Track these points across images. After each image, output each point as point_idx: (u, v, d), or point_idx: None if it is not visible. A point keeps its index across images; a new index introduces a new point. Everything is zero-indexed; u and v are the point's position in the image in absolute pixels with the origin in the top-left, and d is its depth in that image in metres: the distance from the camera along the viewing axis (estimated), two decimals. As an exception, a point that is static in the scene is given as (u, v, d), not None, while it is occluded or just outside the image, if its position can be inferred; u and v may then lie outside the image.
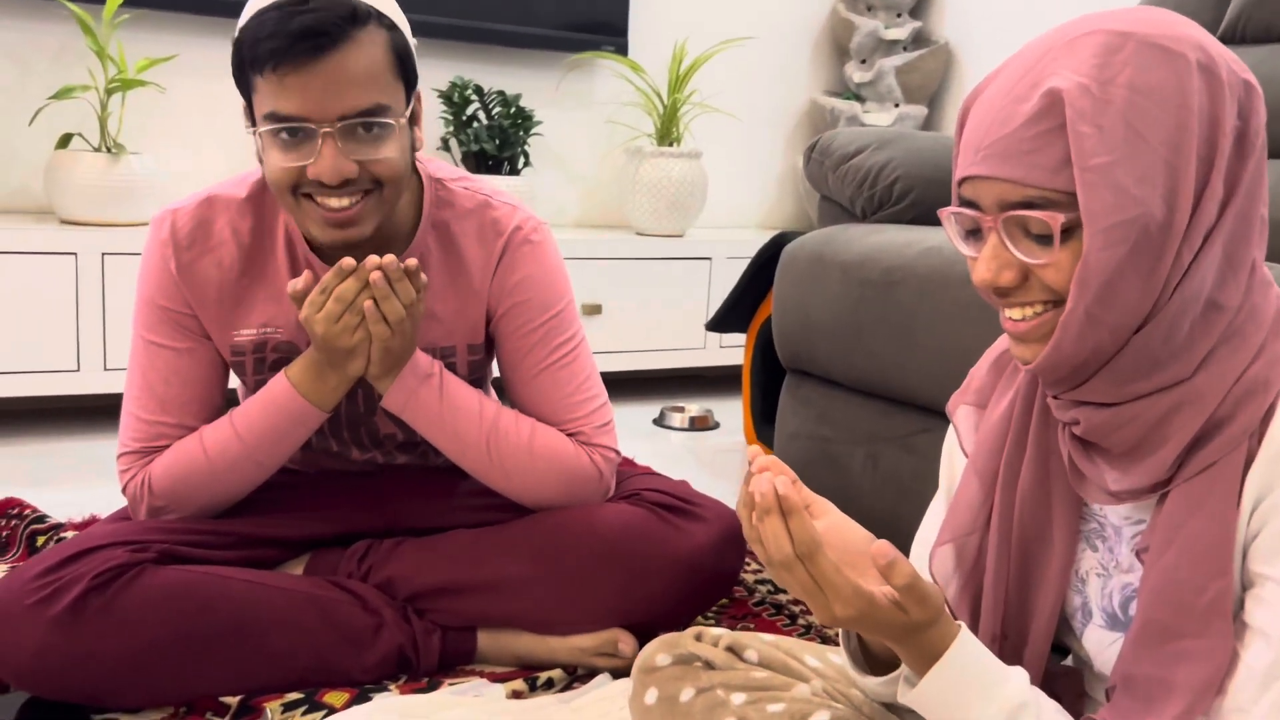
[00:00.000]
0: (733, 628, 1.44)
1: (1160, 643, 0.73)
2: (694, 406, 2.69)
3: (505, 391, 1.34)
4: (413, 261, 1.15)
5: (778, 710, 0.97)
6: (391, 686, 1.22)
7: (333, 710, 1.17)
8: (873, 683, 0.87)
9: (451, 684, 1.24)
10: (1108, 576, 0.82)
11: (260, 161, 1.15)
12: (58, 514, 1.65)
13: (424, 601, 1.27)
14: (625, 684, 1.22)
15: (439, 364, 1.24)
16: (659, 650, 1.06)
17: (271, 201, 1.23)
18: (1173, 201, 0.69)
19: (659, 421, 2.67)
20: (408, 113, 1.16)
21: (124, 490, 1.24)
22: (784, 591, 1.60)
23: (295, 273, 1.23)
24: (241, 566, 1.22)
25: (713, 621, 1.46)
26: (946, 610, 0.76)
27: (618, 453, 1.33)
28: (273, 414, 1.22)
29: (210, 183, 1.29)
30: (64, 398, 2.20)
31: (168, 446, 1.24)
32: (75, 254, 2.15)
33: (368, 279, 1.12)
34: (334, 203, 1.11)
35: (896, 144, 1.83)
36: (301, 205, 1.13)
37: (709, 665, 1.04)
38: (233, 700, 1.16)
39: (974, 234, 0.79)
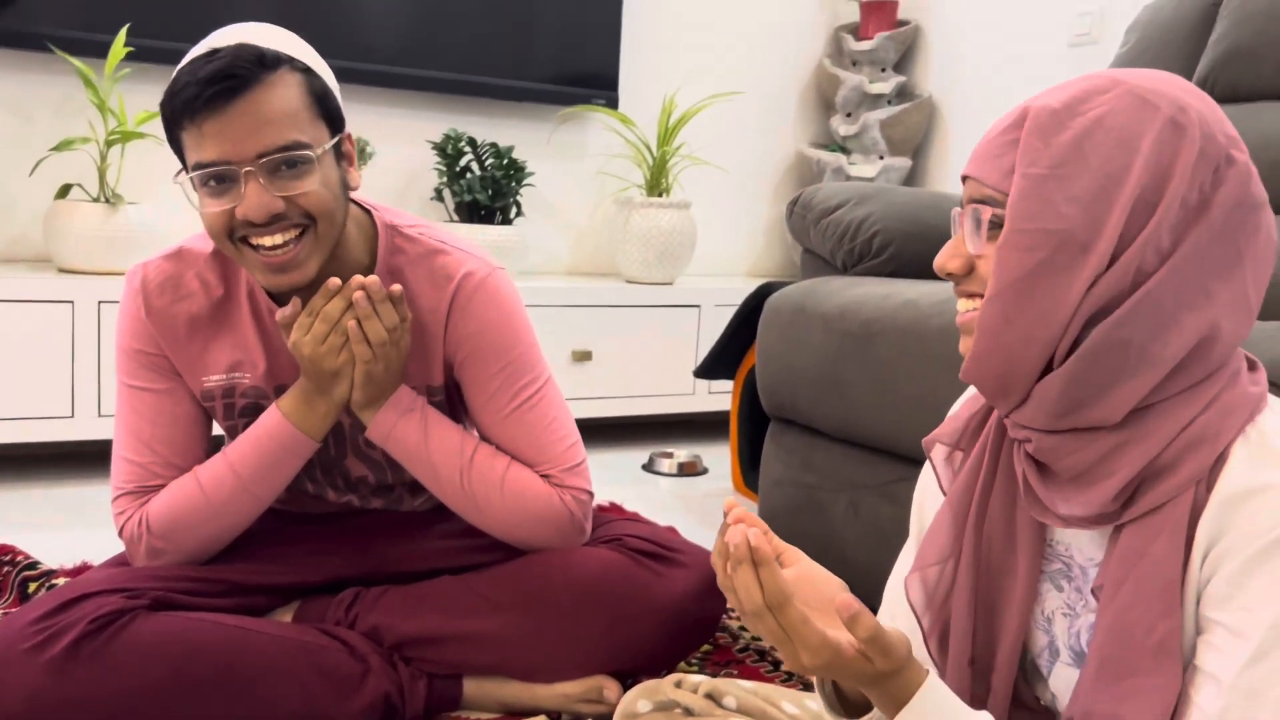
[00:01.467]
0: (715, 673, 1.47)
1: (1113, 680, 0.76)
2: (682, 452, 2.72)
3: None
4: (397, 288, 1.20)
5: (755, 755, 0.99)
6: (378, 732, 1.24)
7: (320, 755, 1.19)
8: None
9: (437, 729, 1.26)
10: (1074, 616, 0.85)
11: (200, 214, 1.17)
12: (50, 560, 1.67)
13: (410, 649, 1.29)
14: (608, 729, 1.25)
15: (422, 400, 1.28)
16: (640, 697, 1.08)
17: None
18: (1097, 229, 0.73)
19: (648, 467, 2.70)
20: (331, 149, 1.18)
21: (120, 533, 1.27)
22: (767, 637, 1.62)
23: (258, 321, 1.28)
24: (233, 614, 1.24)
25: (696, 668, 1.48)
26: (913, 658, 0.79)
27: (590, 494, 1.36)
28: (265, 444, 1.26)
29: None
30: (58, 444, 2.23)
31: (161, 486, 1.27)
32: (72, 302, 2.19)
33: (349, 300, 1.17)
34: (268, 242, 1.14)
35: (876, 199, 1.88)
36: (243, 253, 1.16)
37: (688, 712, 1.06)
38: (221, 747, 1.18)
39: None
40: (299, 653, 1.23)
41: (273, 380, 1.29)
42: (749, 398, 2.32)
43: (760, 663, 1.53)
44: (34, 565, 1.63)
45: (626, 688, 1.29)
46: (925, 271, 1.81)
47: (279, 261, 1.15)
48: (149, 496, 1.26)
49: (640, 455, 2.79)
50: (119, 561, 1.30)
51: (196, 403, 1.30)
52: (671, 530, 1.41)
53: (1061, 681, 0.86)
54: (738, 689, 1.07)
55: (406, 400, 1.27)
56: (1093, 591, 0.79)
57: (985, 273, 0.78)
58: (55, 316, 2.18)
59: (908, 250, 1.83)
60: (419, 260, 1.29)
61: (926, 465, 0.97)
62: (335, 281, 1.18)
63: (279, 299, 1.25)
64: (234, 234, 1.15)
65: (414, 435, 1.27)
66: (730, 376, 2.41)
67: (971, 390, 0.96)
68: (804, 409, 1.78)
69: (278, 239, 1.15)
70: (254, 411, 1.29)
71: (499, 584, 1.31)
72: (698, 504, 2.43)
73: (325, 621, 1.31)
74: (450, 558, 1.36)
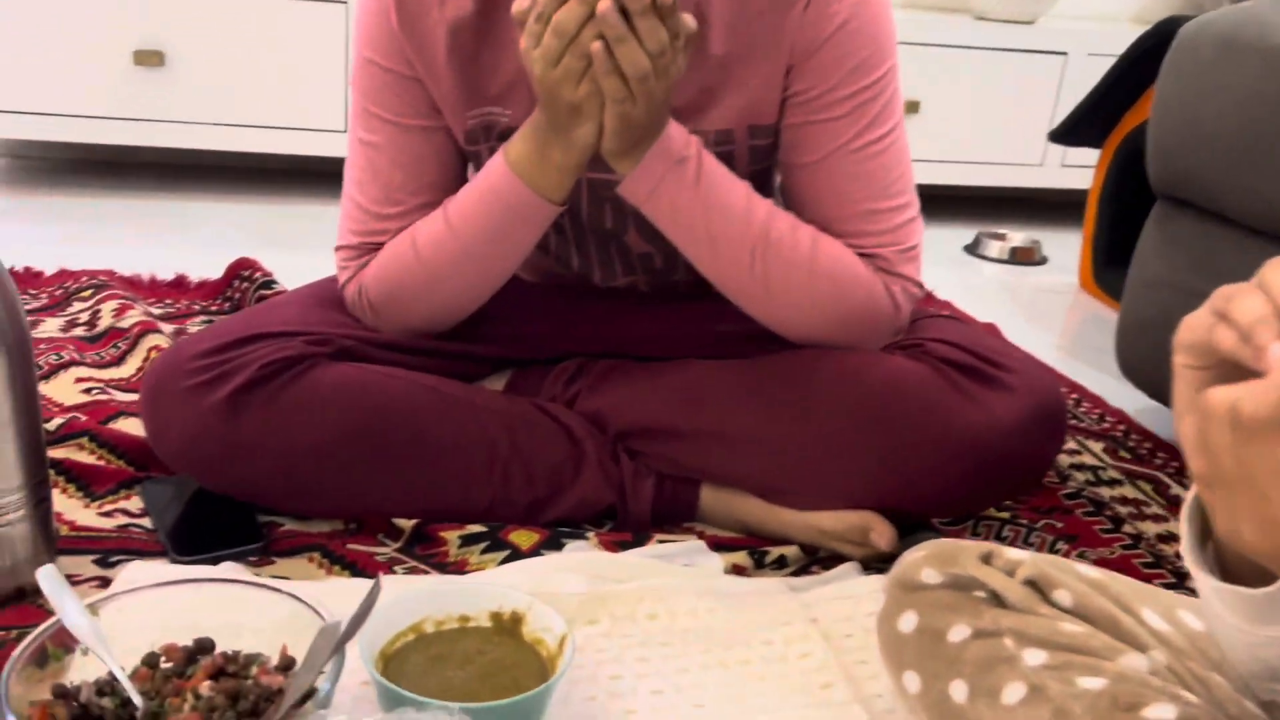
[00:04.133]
0: (1029, 528, 1.11)
1: None
2: (1018, 235, 2.26)
3: (782, 191, 1.03)
4: None
5: (1095, 689, 0.66)
6: (590, 534, 1.01)
7: (517, 552, 0.97)
8: (1230, 599, 0.53)
9: (662, 540, 1.01)
10: None
11: None
12: (290, 281, 1.54)
13: (638, 441, 1.03)
14: (876, 584, 0.94)
15: (697, 143, 0.94)
16: (928, 562, 0.76)
17: None
18: None
19: (972, 249, 2.26)
20: None
21: (342, 293, 1.06)
22: (1108, 483, 1.23)
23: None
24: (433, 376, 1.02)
25: (1005, 518, 1.13)
26: None
27: (921, 286, 0.99)
28: (489, 203, 0.95)
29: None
30: (325, 159, 2.11)
31: None
32: (346, 3, 2.00)
33: (594, 9, 0.81)
34: None
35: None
36: None
37: (996, 600, 0.73)
38: (406, 524, 0.99)
39: None
40: (504, 428, 1.00)
41: None
42: (1118, 173, 1.87)
43: (1095, 517, 1.15)
44: (271, 284, 1.51)
45: (903, 534, 0.98)
46: None
47: None
48: (372, 256, 1.03)
49: (964, 234, 2.34)
50: (316, 294, 1.10)
51: (456, 146, 1.02)
52: (991, 329, 1.02)
53: None
54: (1076, 580, 0.72)
55: (678, 145, 0.91)
56: None
57: None
58: (329, 18, 2.01)
59: None
60: None
61: None
62: None
63: None
64: None
65: (686, 195, 0.92)
66: (1097, 144, 1.94)
67: None
68: (1210, 185, 1.29)
69: None
70: None
71: (757, 378, 1.00)
72: (1028, 300, 2.00)
73: (540, 396, 1.07)
74: (709, 348, 1.06)
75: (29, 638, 0.66)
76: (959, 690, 0.71)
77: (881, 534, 0.96)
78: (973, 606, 0.73)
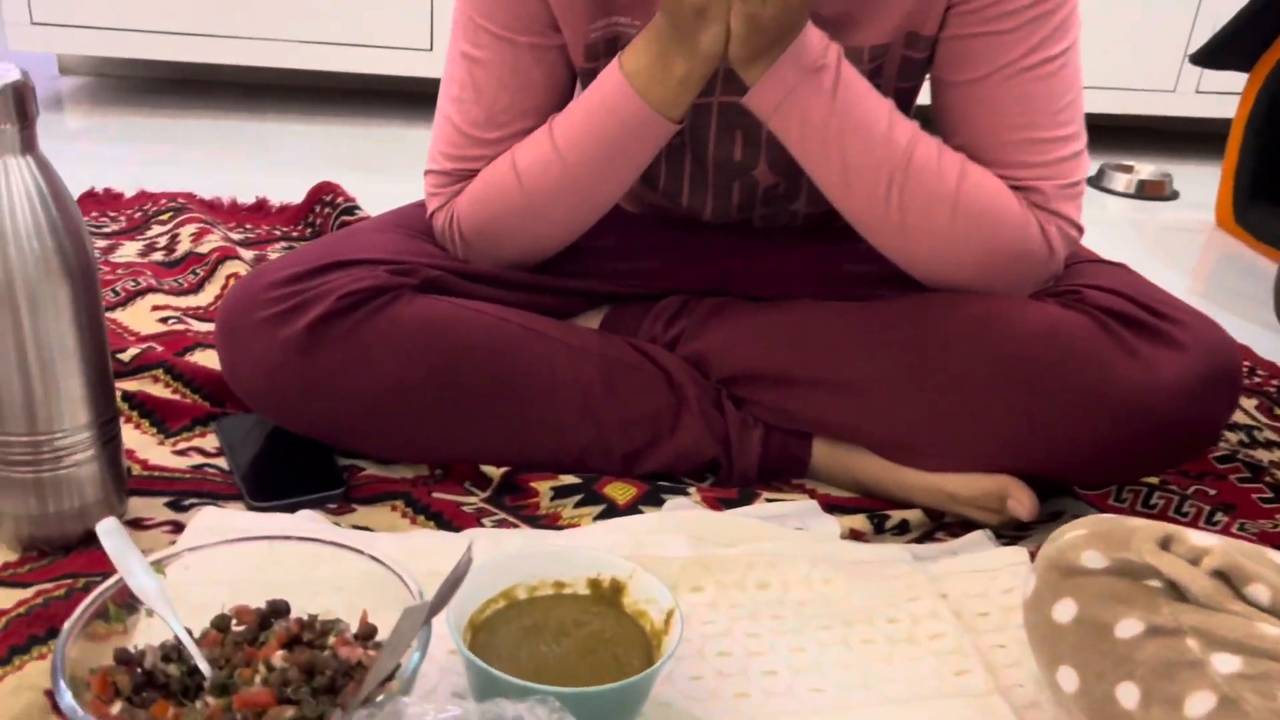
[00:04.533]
0: (1180, 496, 0.99)
1: None
2: (1147, 167, 2.09)
3: (933, 113, 0.91)
4: None
5: (1302, 706, 0.55)
6: (692, 490, 0.92)
7: (613, 507, 0.89)
8: None
9: (770, 499, 0.92)
10: None
11: None
12: (373, 207, 1.46)
13: (745, 388, 0.94)
14: (1012, 557, 0.84)
15: (837, 52, 0.82)
16: (1090, 543, 0.66)
17: None
18: None
19: (1096, 181, 2.10)
20: None
21: (431, 221, 0.98)
22: (1264, 445, 1.10)
23: None
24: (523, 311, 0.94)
25: (1153, 484, 1.01)
26: None
27: (1080, 228, 0.88)
28: (601, 120, 0.86)
29: None
30: (411, 79, 2.03)
31: None
32: (431, -86, 1.90)
33: None
34: None
35: None
36: None
37: (1175, 592, 0.64)
38: (495, 472, 0.92)
39: None
40: (599, 370, 0.92)
41: None
42: (1269, 101, 1.70)
43: (1251, 483, 1.03)
44: (353, 209, 1.44)
45: (1045, 501, 0.87)
46: None
47: None
48: (466, 183, 0.94)
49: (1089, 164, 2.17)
50: (402, 221, 1.02)
51: (568, 66, 0.92)
52: (1155, 287, 0.91)
53: None
54: (1276, 573, 0.62)
55: (814, 52, 0.80)
56: None
57: None
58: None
59: None
60: None
61: None
62: None
63: None
64: None
65: (820, 108, 0.81)
66: (1244, 68, 1.75)
67: None
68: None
69: None
70: None
71: (883, 321, 0.90)
72: (1154, 237, 1.84)
73: (638, 336, 0.98)
74: (830, 288, 0.96)
75: (89, 598, 0.60)
76: (1129, 694, 0.61)
77: (1021, 502, 0.86)
78: (1146, 598, 0.63)
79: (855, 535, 0.88)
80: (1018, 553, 0.84)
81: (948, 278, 0.88)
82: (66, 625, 0.58)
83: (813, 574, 0.81)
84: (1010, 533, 0.90)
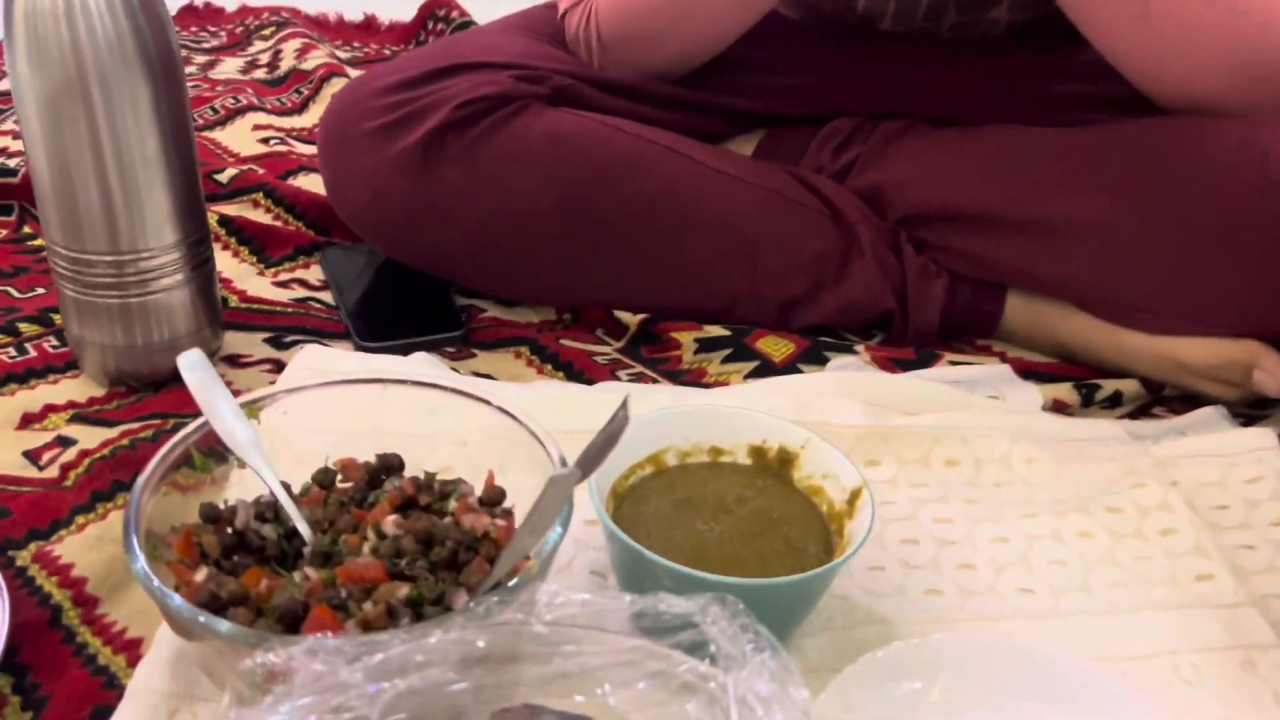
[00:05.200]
0: None
1: None
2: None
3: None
4: None
5: None
6: (860, 348, 0.79)
7: (767, 364, 0.77)
8: None
9: (954, 363, 0.78)
10: None
11: None
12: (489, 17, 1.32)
13: (929, 229, 0.79)
14: (1257, 440, 0.69)
15: None
16: None
17: None
18: None
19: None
20: None
21: (564, 23, 0.83)
22: None
23: None
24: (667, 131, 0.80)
25: None
26: None
27: None
28: None
29: None
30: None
31: None
32: None
33: None
34: None
35: None
36: None
37: None
38: (632, 319, 0.80)
39: None
40: (756, 203, 0.78)
41: None
42: None
43: None
44: (468, 25, 1.30)
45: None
46: None
47: None
48: None
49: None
50: (529, 23, 0.88)
51: None
52: None
53: None
54: None
55: None
56: None
57: None
58: None
59: None
60: None
61: None
62: None
63: None
64: None
65: None
66: None
67: None
68: None
69: None
70: None
71: (1106, 150, 0.74)
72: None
73: (801, 165, 0.83)
74: (1027, 108, 0.80)
75: (170, 442, 0.51)
76: None
77: (1273, 374, 0.71)
78: None
79: (1059, 407, 0.74)
80: (1263, 435, 0.69)
81: (1194, 94, 0.71)
82: (143, 474, 0.49)
83: (1012, 452, 0.68)
84: (1248, 411, 0.75)
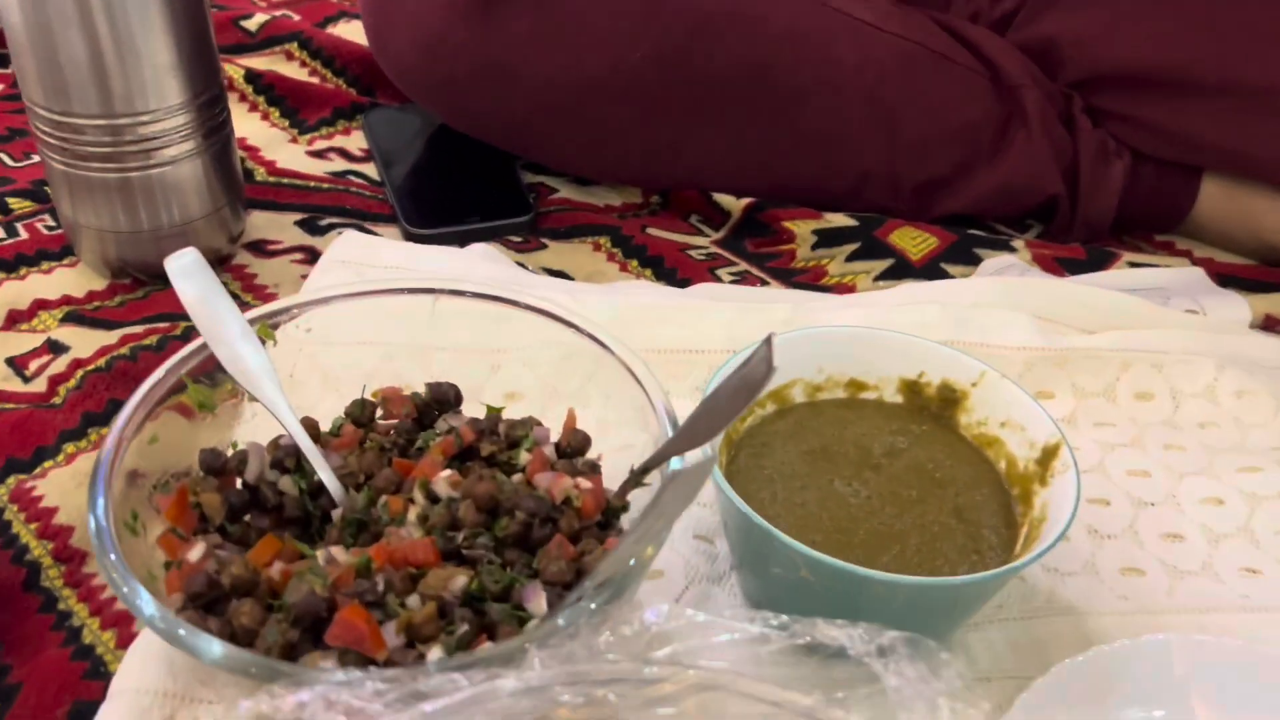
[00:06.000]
0: None
1: None
2: None
3: None
4: None
5: None
6: (1017, 242, 0.64)
7: (904, 264, 0.63)
8: None
9: (1133, 264, 0.63)
10: None
11: None
12: None
13: (1113, 95, 0.64)
14: None
15: None
16: None
17: None
18: None
19: None
20: None
21: None
22: None
23: None
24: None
25: None
26: None
27: None
28: None
29: None
30: None
31: None
32: None
33: None
34: None
35: None
36: None
37: None
38: (735, 204, 0.66)
39: None
40: (894, 58, 0.63)
41: None
42: None
43: None
44: None
45: None
46: None
47: None
48: None
49: None
50: None
51: None
52: None
53: None
54: None
55: None
56: None
57: None
58: None
59: None
60: None
61: None
62: None
63: None
64: None
65: None
66: None
67: None
68: None
69: None
70: None
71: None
72: None
73: (950, 11, 0.67)
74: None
75: (158, 371, 0.39)
76: None
77: None
78: None
79: (1270, 324, 0.59)
80: None
81: None
82: (122, 413, 0.37)
83: (1220, 382, 0.54)
84: None
